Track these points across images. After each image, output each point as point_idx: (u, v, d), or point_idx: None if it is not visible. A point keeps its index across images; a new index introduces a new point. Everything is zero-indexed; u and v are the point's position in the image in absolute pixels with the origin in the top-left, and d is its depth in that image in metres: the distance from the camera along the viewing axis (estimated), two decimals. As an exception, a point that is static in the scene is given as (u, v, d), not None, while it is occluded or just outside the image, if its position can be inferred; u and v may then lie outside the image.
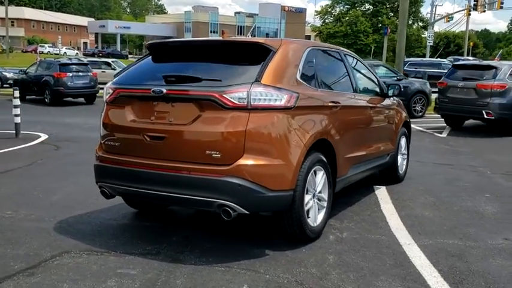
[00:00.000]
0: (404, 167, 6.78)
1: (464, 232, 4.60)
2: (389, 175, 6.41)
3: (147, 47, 4.58)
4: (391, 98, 6.19)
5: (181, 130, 3.82)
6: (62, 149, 8.88)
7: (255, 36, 71.84)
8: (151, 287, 3.36)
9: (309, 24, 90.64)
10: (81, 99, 18.71)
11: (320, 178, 4.29)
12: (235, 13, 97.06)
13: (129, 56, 69.66)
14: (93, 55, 59.72)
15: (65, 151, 8.68)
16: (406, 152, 6.84)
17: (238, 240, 4.31)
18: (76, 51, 70.95)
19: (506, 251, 4.15)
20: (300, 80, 4.18)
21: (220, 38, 4.41)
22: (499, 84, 11.05)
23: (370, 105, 5.55)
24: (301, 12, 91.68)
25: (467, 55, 53.62)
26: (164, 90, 3.87)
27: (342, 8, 63.92)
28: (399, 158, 6.49)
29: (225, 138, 3.69)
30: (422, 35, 65.55)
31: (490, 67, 11.68)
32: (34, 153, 8.42)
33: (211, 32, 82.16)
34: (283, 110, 3.82)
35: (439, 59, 35.92)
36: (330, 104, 4.48)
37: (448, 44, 61.36)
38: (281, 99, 3.80)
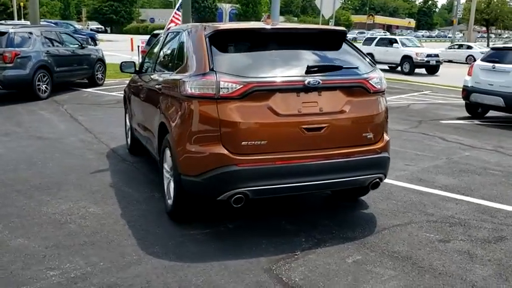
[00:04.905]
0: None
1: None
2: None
3: (231, 32, 4.30)
4: None
5: (340, 118, 4.05)
6: None
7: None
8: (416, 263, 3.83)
9: None
10: None
11: None
12: None
13: None
14: None
15: None
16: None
17: (346, 216, 4.82)
18: None
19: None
20: None
21: (316, 26, 4.97)
22: (15, 52, 10.76)
23: None
24: None
25: (20, 18, 48.66)
26: (320, 81, 3.95)
27: None
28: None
29: (376, 120, 4.25)
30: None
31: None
32: None
33: None
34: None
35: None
36: None
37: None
38: None
